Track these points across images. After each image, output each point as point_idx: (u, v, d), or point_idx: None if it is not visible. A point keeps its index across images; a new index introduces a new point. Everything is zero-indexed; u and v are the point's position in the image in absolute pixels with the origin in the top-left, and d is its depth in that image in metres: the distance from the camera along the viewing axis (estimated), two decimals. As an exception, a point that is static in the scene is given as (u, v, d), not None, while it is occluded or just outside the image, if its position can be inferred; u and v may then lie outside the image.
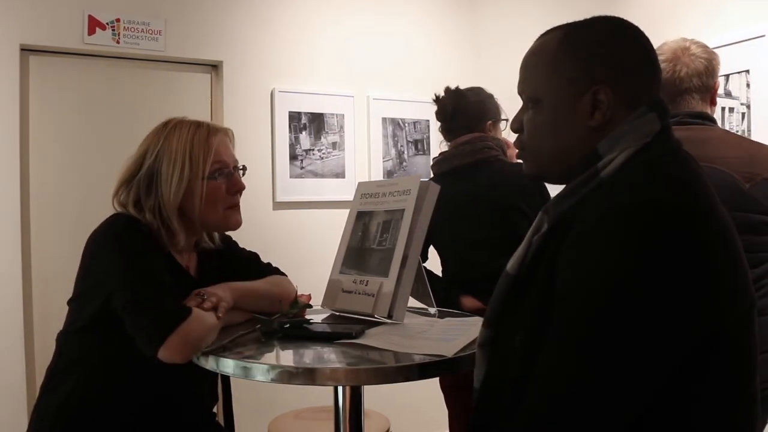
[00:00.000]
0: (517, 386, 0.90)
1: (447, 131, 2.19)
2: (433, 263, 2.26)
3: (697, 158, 1.58)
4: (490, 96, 2.22)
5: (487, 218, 2.04)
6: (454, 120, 2.14)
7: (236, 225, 1.57)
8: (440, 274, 2.23)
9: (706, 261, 0.83)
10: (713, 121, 1.67)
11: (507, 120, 2.20)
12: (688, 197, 0.86)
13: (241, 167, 1.60)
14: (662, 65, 1.61)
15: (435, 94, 2.20)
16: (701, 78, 1.63)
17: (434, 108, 2.23)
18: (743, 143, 1.63)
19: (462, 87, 2.23)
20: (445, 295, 2.02)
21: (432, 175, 2.23)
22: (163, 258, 1.44)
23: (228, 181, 1.53)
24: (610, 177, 0.92)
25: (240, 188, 1.57)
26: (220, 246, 1.67)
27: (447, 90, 2.19)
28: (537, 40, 1.04)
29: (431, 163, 2.26)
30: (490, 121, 2.14)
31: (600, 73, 0.95)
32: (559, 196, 0.97)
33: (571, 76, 0.97)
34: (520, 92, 1.04)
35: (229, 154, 1.55)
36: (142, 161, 1.48)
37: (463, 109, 2.13)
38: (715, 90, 1.70)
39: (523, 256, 0.99)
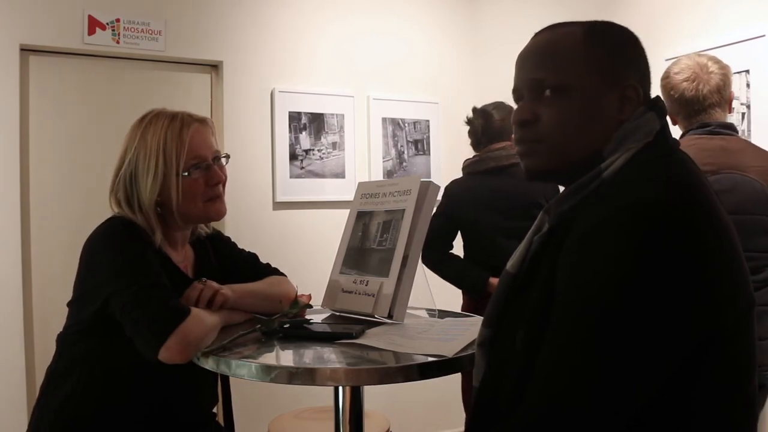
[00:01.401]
0: (518, 385, 0.89)
1: (477, 144, 2.60)
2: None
3: (732, 166, 1.71)
4: (511, 110, 2.46)
5: (517, 211, 2.41)
6: (485, 136, 2.55)
7: (218, 215, 1.56)
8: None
9: (704, 260, 0.82)
10: (737, 131, 1.86)
11: None
12: (687, 197, 0.86)
13: (223, 155, 1.56)
14: (684, 84, 1.81)
15: (467, 117, 2.63)
16: (720, 92, 1.81)
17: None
18: (765, 154, 1.81)
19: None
20: (476, 277, 2.43)
21: (466, 174, 2.61)
22: (160, 258, 1.44)
23: (206, 174, 1.50)
24: (611, 177, 0.92)
25: (219, 180, 1.53)
26: (214, 230, 1.68)
27: (474, 110, 2.61)
28: (547, 32, 1.01)
29: (463, 164, 2.64)
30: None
31: (629, 69, 0.98)
32: (561, 195, 0.96)
33: (606, 69, 0.97)
34: (537, 78, 0.99)
35: (207, 145, 1.51)
36: (123, 159, 1.48)
37: (490, 127, 2.54)
38: (731, 100, 1.87)
39: (524, 256, 0.98)
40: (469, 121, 2.61)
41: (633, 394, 0.82)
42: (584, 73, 0.96)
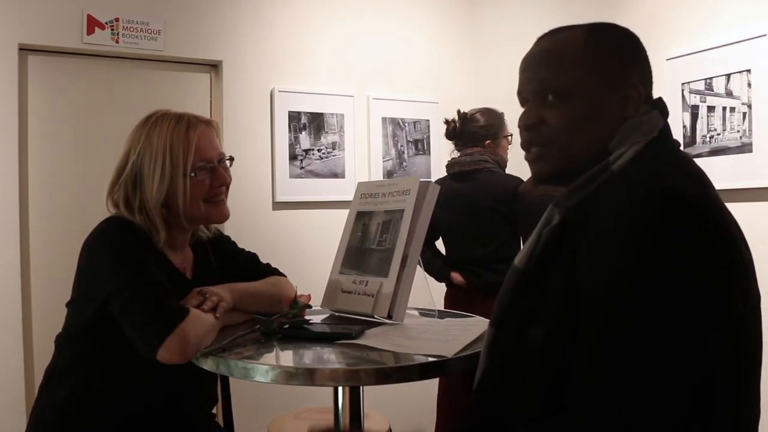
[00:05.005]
0: (538, 383, 0.87)
1: (455, 145, 2.77)
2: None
3: None
4: (498, 117, 2.73)
5: (471, 213, 2.65)
6: (461, 139, 2.73)
7: (221, 218, 1.55)
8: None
9: (724, 249, 0.83)
10: None
11: (510, 135, 2.74)
12: (701, 189, 0.87)
13: (228, 158, 1.56)
14: None
15: (445, 119, 2.76)
16: None
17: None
18: None
19: (470, 104, 2.82)
20: (439, 269, 2.70)
21: (444, 175, 2.81)
22: (158, 259, 1.43)
23: (211, 175, 1.50)
24: (622, 170, 0.93)
25: (224, 182, 1.52)
26: (216, 234, 1.66)
27: (458, 113, 2.73)
28: (549, 37, 1.03)
29: (444, 164, 2.83)
30: (489, 140, 2.70)
31: (630, 69, 0.99)
32: (570, 189, 0.97)
33: (607, 71, 0.98)
34: (540, 81, 1.01)
35: (212, 147, 1.51)
36: (126, 159, 1.47)
37: (467, 131, 2.70)
38: None
39: (532, 249, 0.98)
40: (446, 122, 2.76)
41: (676, 392, 0.80)
42: (585, 75, 0.98)
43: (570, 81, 0.98)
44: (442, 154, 3.57)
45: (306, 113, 3.25)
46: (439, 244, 2.89)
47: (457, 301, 2.60)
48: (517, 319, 0.96)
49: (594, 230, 0.88)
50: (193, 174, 1.45)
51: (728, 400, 0.86)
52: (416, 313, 1.65)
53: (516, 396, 0.91)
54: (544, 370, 0.88)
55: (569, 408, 0.83)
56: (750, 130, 2.35)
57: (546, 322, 0.90)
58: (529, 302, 0.95)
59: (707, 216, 0.83)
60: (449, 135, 2.77)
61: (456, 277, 2.67)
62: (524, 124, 1.03)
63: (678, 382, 0.82)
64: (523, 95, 1.04)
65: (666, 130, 0.98)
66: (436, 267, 2.70)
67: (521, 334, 0.92)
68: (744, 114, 2.37)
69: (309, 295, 1.64)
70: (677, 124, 2.53)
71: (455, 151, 2.78)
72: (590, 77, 0.98)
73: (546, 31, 1.05)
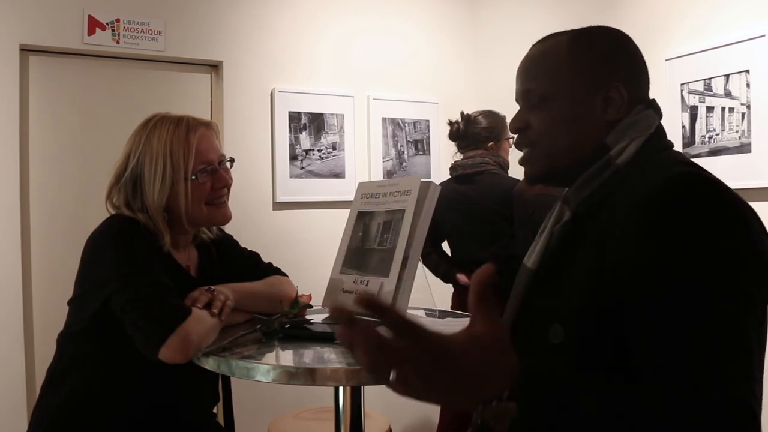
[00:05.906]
0: (559, 381, 0.83)
1: (458, 147, 2.84)
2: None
3: None
4: (499, 119, 2.77)
5: (473, 215, 2.69)
6: (463, 140, 2.79)
7: (224, 220, 1.56)
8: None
9: (744, 238, 0.83)
10: None
11: (512, 137, 2.65)
12: (710, 175, 0.89)
13: (228, 159, 1.56)
14: None
15: (449, 120, 2.81)
16: None
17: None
18: None
19: (470, 104, 2.94)
20: (445, 270, 2.78)
21: (447, 176, 2.87)
22: (162, 258, 1.44)
23: (212, 178, 1.50)
24: (628, 163, 0.95)
25: (225, 184, 1.53)
26: (218, 236, 1.67)
27: (461, 115, 2.79)
28: (539, 44, 1.06)
29: (444, 164, 2.96)
30: (491, 143, 2.75)
31: (614, 71, 1.00)
32: (576, 186, 0.98)
33: (587, 74, 1.00)
34: (527, 89, 1.04)
35: (213, 149, 1.51)
36: (126, 163, 1.47)
37: (470, 133, 2.76)
38: None
39: (545, 248, 0.99)
40: (450, 123, 2.81)
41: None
42: (566, 79, 1.00)
43: (551, 85, 1.01)
44: (442, 154, 3.58)
45: (306, 113, 3.25)
46: (445, 246, 2.92)
47: (464, 302, 2.61)
48: (531, 320, 0.96)
49: (613, 221, 0.88)
50: (194, 177, 1.46)
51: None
52: (419, 313, 1.66)
53: (548, 395, 0.89)
54: (565, 367, 0.87)
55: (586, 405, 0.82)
56: (749, 130, 2.35)
57: (566, 318, 0.90)
58: (545, 300, 0.96)
59: (725, 203, 0.83)
60: (453, 136, 2.81)
61: (462, 278, 2.73)
62: (513, 128, 1.08)
63: (687, 377, 0.82)
64: (518, 101, 1.08)
65: (661, 128, 1.00)
66: (442, 269, 2.77)
67: (538, 334, 0.92)
68: (743, 114, 2.37)
69: (310, 295, 1.65)
70: (676, 124, 2.53)
71: (458, 153, 2.83)
72: (571, 80, 1.00)
73: (542, 36, 1.07)
